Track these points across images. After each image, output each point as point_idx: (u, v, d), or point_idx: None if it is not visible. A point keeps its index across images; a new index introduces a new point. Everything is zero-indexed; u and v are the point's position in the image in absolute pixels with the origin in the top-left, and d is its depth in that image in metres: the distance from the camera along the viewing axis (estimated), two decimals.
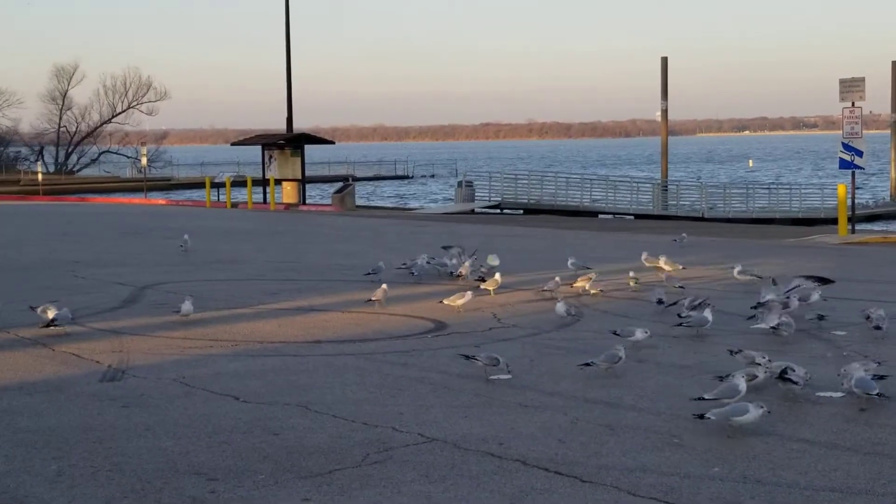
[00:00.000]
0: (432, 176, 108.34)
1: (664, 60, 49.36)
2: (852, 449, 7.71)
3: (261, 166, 50.12)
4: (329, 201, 48.72)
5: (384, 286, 14.76)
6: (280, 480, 7.11)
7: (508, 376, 10.08)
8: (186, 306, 13.47)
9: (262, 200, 47.85)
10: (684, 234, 24.54)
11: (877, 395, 8.82)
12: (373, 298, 14.44)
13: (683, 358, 11.08)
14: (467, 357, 10.24)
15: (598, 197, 49.49)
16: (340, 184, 51.72)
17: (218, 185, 54.39)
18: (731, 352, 10.33)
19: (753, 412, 8.00)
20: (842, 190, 28.61)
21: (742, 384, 8.71)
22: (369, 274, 17.21)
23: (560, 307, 13.04)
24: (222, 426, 8.47)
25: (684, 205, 47.89)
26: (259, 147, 50.65)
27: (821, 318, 12.68)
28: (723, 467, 7.32)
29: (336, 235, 28.87)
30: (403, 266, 17.76)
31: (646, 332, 11.44)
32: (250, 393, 9.59)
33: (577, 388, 9.74)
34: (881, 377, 9.20)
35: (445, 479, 7.10)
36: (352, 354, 11.43)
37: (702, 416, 8.10)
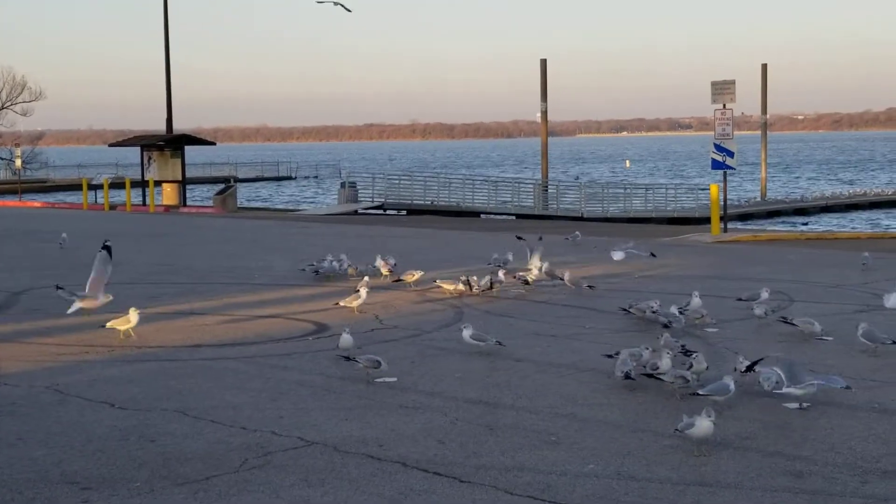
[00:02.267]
0: (315, 177, 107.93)
1: (543, 63, 49.89)
2: (722, 444, 7.94)
3: (140, 168, 49.14)
4: (211, 203, 48.09)
5: (366, 278, 15.34)
6: (156, 488, 7.01)
7: (394, 379, 10.10)
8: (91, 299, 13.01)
9: (141, 202, 46.97)
10: (577, 233, 25.13)
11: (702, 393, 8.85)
12: (358, 289, 14.05)
13: (561, 357, 11.26)
14: (347, 358, 10.25)
15: (481, 197, 49.88)
16: (222, 185, 51.08)
17: (96, 187, 53.22)
18: (610, 356, 10.34)
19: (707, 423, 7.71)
20: (714, 190, 29.39)
21: (732, 383, 8.81)
22: (304, 270, 17.74)
23: (346, 338, 11.15)
24: (97, 434, 8.31)
25: (564, 206, 48.60)
26: (138, 148, 49.73)
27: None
28: (597, 464, 7.48)
29: (217, 237, 28.51)
30: (311, 266, 17.85)
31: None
32: (126, 399, 9.43)
33: (457, 388, 9.83)
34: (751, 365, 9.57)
35: (325, 483, 7.10)
36: (232, 358, 11.32)
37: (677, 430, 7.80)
